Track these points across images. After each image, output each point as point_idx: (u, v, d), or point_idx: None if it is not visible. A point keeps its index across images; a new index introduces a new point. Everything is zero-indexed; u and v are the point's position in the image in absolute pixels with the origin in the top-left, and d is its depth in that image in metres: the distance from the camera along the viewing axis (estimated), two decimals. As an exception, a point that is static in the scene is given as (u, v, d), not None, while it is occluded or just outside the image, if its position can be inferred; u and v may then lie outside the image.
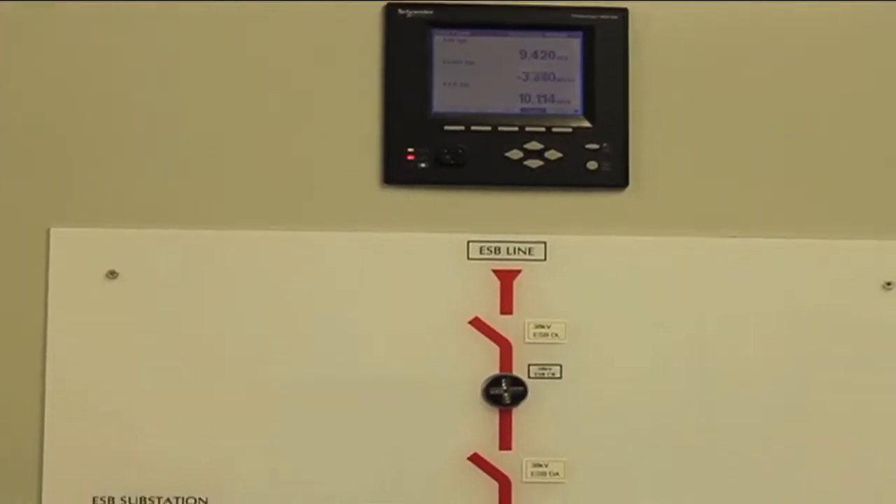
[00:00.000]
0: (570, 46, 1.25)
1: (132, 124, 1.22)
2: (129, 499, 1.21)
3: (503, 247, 1.23)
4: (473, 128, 1.23)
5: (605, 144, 1.23)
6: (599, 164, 1.23)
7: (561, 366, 1.23)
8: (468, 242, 1.23)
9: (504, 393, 1.22)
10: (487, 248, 1.23)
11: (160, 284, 1.21)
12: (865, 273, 1.25)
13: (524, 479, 1.23)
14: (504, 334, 1.23)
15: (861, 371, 1.25)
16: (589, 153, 1.23)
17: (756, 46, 1.26)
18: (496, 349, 1.23)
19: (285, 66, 1.23)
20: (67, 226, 1.22)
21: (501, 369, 1.23)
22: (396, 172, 1.23)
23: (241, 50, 1.23)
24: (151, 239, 1.22)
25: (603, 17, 1.25)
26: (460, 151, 1.23)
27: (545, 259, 1.23)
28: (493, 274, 1.23)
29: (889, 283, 1.25)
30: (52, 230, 1.21)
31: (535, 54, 1.25)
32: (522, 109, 1.24)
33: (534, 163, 1.23)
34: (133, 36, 1.23)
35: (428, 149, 1.23)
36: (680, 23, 1.26)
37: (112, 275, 1.21)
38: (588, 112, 1.24)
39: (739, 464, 1.24)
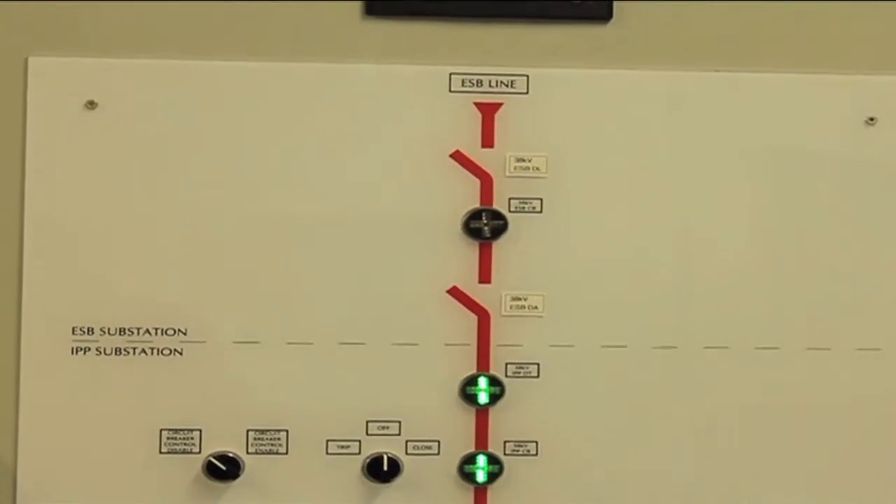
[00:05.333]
0: None
1: (111, -50, 1.21)
2: (108, 329, 1.21)
3: (485, 79, 1.22)
4: (457, -42, 1.22)
5: (589, -24, 1.22)
6: (584, -4, 1.22)
7: (541, 200, 1.23)
8: (450, 75, 1.22)
9: (484, 226, 1.22)
10: (469, 81, 1.22)
11: (139, 115, 1.20)
12: (848, 108, 1.24)
13: (503, 313, 1.23)
14: (485, 168, 1.22)
15: (843, 208, 1.24)
16: (573, -15, 1.22)
17: None
18: (477, 182, 1.22)
19: None
20: (46, 55, 1.20)
21: (482, 203, 1.23)
22: (378, 3, 1.21)
23: None
24: (130, 69, 1.20)
25: None
26: (443, -18, 1.22)
27: (527, 92, 1.22)
28: (474, 107, 1.22)
29: (872, 119, 1.24)
30: (31, 59, 1.20)
31: None
32: (507, -60, 1.23)
33: (517, -6, 1.22)
34: None
35: (410, -21, 1.22)
36: None
37: (91, 105, 1.20)
38: (573, -57, 1.23)
39: (719, 298, 1.24)
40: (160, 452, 1.22)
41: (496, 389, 1.23)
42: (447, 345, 1.23)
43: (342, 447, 1.23)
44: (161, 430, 1.22)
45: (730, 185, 1.24)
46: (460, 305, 1.23)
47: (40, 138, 1.20)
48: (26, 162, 1.20)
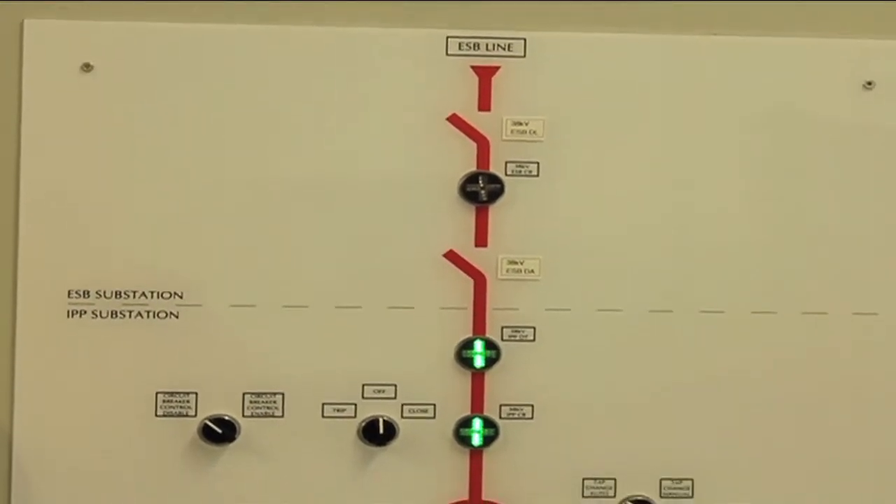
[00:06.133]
0: None
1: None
2: (104, 293, 1.21)
3: (482, 43, 1.22)
4: (454, -79, 1.22)
5: (586, -61, 1.22)
6: (581, -41, 1.22)
7: (538, 163, 1.23)
8: (447, 38, 1.22)
9: (481, 190, 1.22)
10: (466, 44, 1.22)
11: (135, 78, 1.20)
12: (846, 72, 1.24)
13: (499, 276, 1.23)
14: (482, 131, 1.22)
15: (840, 172, 1.24)
16: (571, -53, 1.22)
17: None
18: (473, 146, 1.22)
19: None
20: (42, 17, 1.19)
21: (478, 166, 1.22)
22: (375, -34, 1.22)
23: None
24: (126, 32, 1.19)
25: None
26: (440, -55, 1.21)
27: (524, 56, 1.22)
28: (471, 70, 1.22)
29: (870, 83, 1.24)
30: (26, 22, 1.19)
31: None
32: None
33: (515, -43, 1.22)
34: None
35: (408, -58, 1.21)
36: None
37: (87, 67, 1.20)
38: None
39: (715, 262, 1.24)
40: (156, 415, 1.22)
41: (492, 353, 1.23)
42: (443, 308, 1.23)
43: (338, 410, 1.23)
44: (157, 393, 1.22)
45: (727, 149, 1.23)
46: (456, 269, 1.23)
47: (36, 101, 1.19)
48: (22, 125, 1.19)
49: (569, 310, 1.24)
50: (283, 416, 1.23)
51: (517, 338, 1.24)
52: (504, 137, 1.22)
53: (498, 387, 1.24)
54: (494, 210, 1.23)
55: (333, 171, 1.22)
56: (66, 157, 1.20)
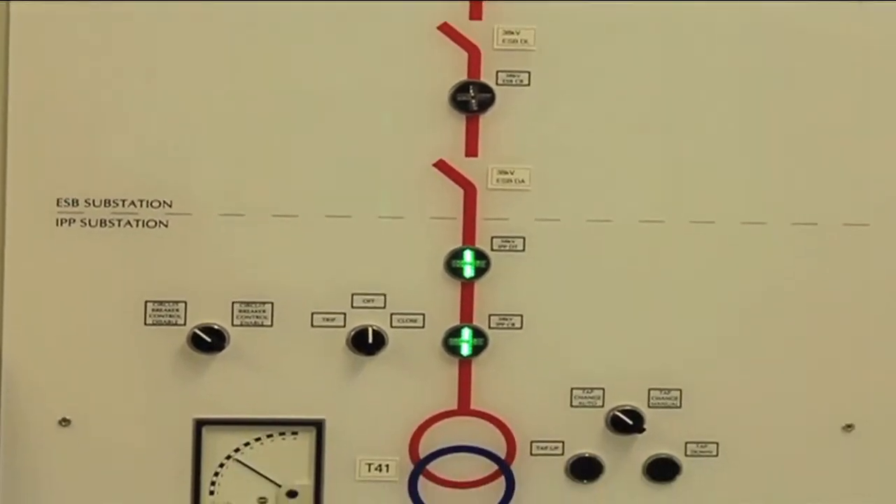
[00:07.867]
0: None
1: None
2: (93, 201, 1.21)
3: (473, -49, 1.21)
4: None
5: None
6: None
7: (530, 73, 1.22)
8: (437, -55, 1.21)
9: (471, 99, 1.21)
10: (457, -48, 1.21)
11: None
12: (839, -15, 1.23)
13: (489, 186, 1.23)
14: (473, 40, 1.21)
15: (832, 83, 1.24)
16: None
17: None
18: (464, 55, 1.21)
19: None
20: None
21: (469, 76, 1.21)
22: None
23: None
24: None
25: None
26: None
27: (515, -37, 1.22)
28: (462, -22, 1.22)
29: (863, -8, 1.24)
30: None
31: None
32: None
33: None
34: None
35: None
36: None
37: (75, -23, 1.19)
38: None
39: (706, 172, 1.24)
40: (145, 324, 1.22)
41: (481, 263, 1.23)
42: (433, 218, 1.23)
43: (327, 320, 1.23)
44: (146, 302, 1.22)
45: (720, 60, 1.23)
46: (446, 179, 1.22)
47: (23, 7, 1.18)
48: (10, 31, 1.18)
49: (559, 220, 1.23)
50: (272, 325, 1.23)
51: (507, 248, 1.23)
52: (495, 46, 1.21)
53: (487, 297, 1.24)
54: (485, 120, 1.22)
55: (324, 79, 1.21)
56: (54, 63, 1.19)
